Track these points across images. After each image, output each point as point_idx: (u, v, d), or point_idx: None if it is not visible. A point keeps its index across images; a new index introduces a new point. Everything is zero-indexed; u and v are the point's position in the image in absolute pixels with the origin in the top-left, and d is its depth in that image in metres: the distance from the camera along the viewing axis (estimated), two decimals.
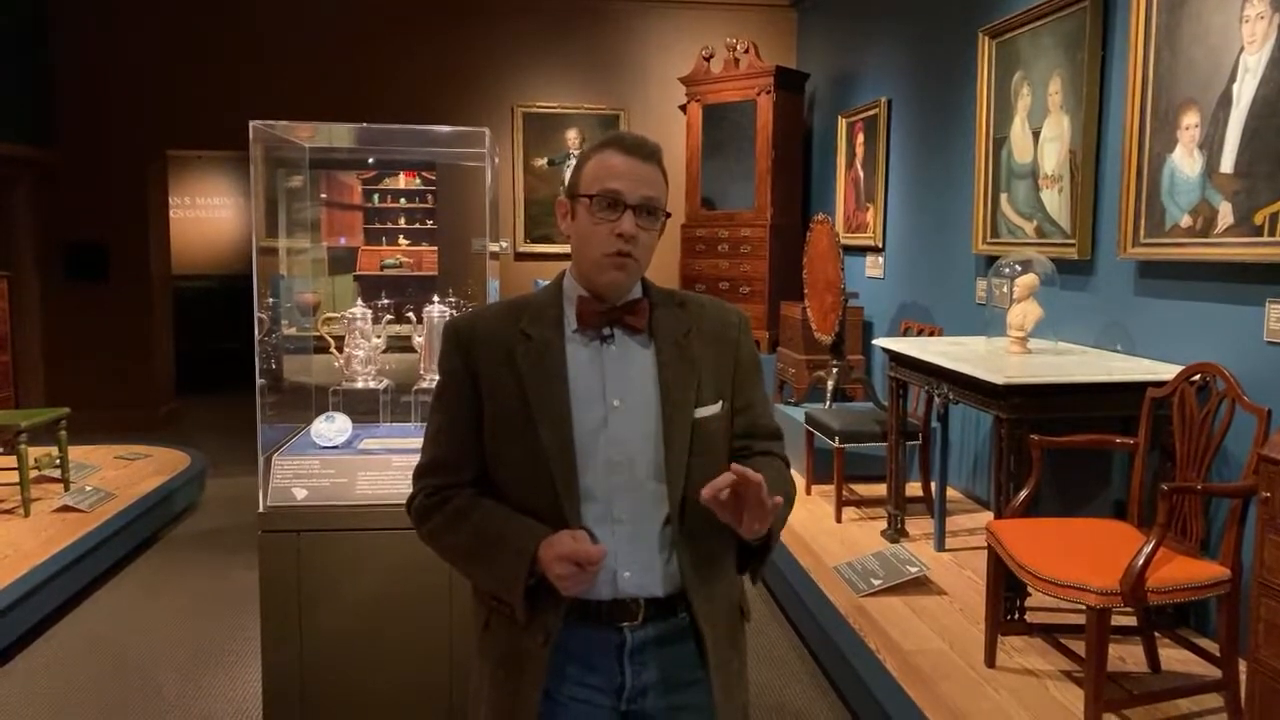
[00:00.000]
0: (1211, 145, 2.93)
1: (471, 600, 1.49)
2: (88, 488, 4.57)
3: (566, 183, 1.42)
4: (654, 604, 1.37)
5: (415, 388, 3.00)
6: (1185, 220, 3.05)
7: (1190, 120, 3.01)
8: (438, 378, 1.46)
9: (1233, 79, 2.84)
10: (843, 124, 6.20)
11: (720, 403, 1.42)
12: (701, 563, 1.39)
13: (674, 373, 1.38)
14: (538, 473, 1.34)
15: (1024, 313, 3.40)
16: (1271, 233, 2.70)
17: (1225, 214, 2.88)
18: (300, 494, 2.52)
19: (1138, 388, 2.86)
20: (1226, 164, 2.87)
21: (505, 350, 1.37)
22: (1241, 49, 2.80)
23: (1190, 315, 3.09)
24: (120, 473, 5.06)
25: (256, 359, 2.68)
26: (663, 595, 1.37)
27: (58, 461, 4.61)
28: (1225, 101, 2.87)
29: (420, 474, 1.46)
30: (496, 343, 1.38)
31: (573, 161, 7.91)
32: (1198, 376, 2.67)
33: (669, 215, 1.42)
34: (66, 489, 4.56)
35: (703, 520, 1.36)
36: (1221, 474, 2.79)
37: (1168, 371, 2.86)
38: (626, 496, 1.35)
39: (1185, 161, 3.04)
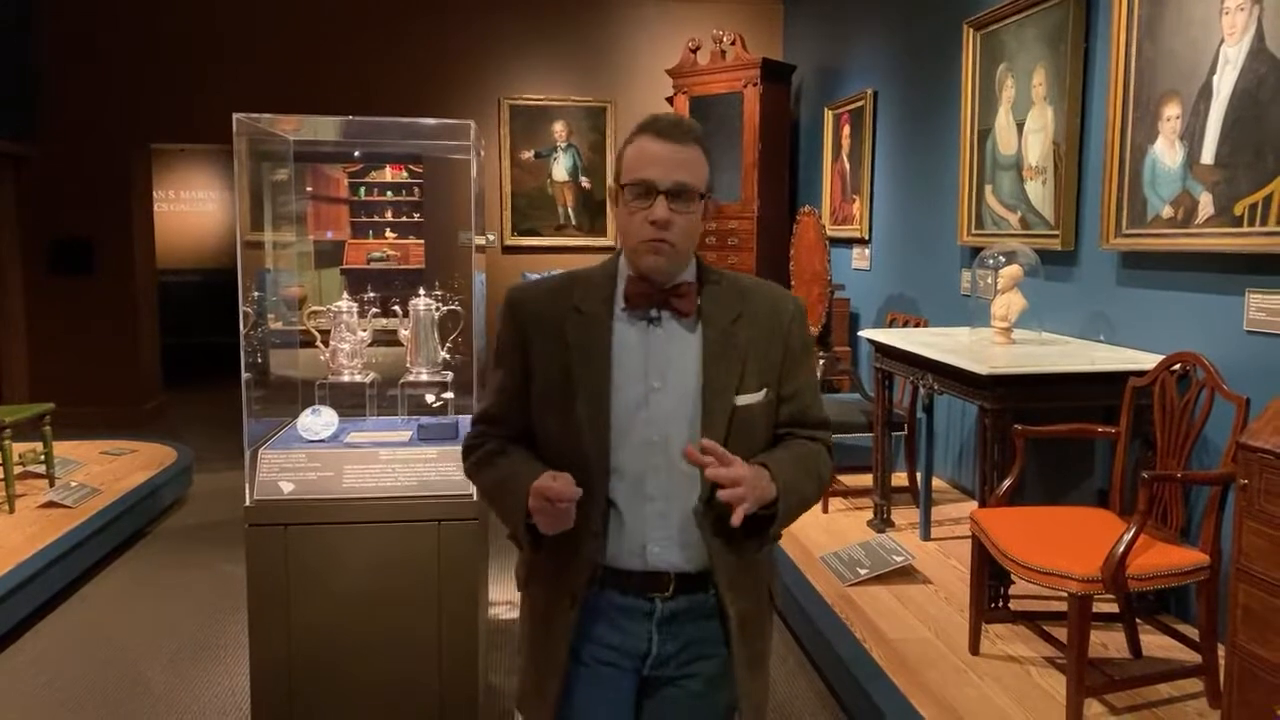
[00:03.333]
0: (1192, 136, 2.95)
1: (517, 561, 1.58)
2: (73, 483, 4.55)
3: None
4: (684, 578, 1.42)
5: (401, 381, 3.00)
6: (1167, 211, 3.07)
7: (1171, 112, 3.04)
8: (497, 336, 1.53)
9: (1213, 71, 2.86)
10: (829, 116, 6.21)
11: (764, 390, 1.43)
12: (730, 544, 1.42)
13: (717, 358, 1.40)
14: (573, 445, 1.39)
15: (1008, 303, 3.42)
16: (1251, 223, 2.73)
17: (1206, 204, 2.90)
18: (287, 488, 2.52)
19: (1120, 377, 2.88)
20: (1207, 155, 2.89)
21: (556, 324, 1.42)
22: (1222, 41, 2.83)
23: (1172, 305, 3.11)
24: (106, 468, 5.04)
25: (242, 353, 2.67)
26: (692, 571, 1.42)
27: (43, 457, 4.59)
28: (1206, 93, 2.89)
29: (475, 420, 1.56)
30: (548, 316, 1.43)
31: (559, 155, 7.87)
32: (1178, 366, 2.70)
33: (707, 194, 1.41)
34: (51, 485, 4.54)
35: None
36: (1202, 462, 2.82)
37: (1149, 361, 2.88)
38: (659, 475, 1.39)
39: (1167, 153, 3.07)
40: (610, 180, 1.46)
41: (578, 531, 1.39)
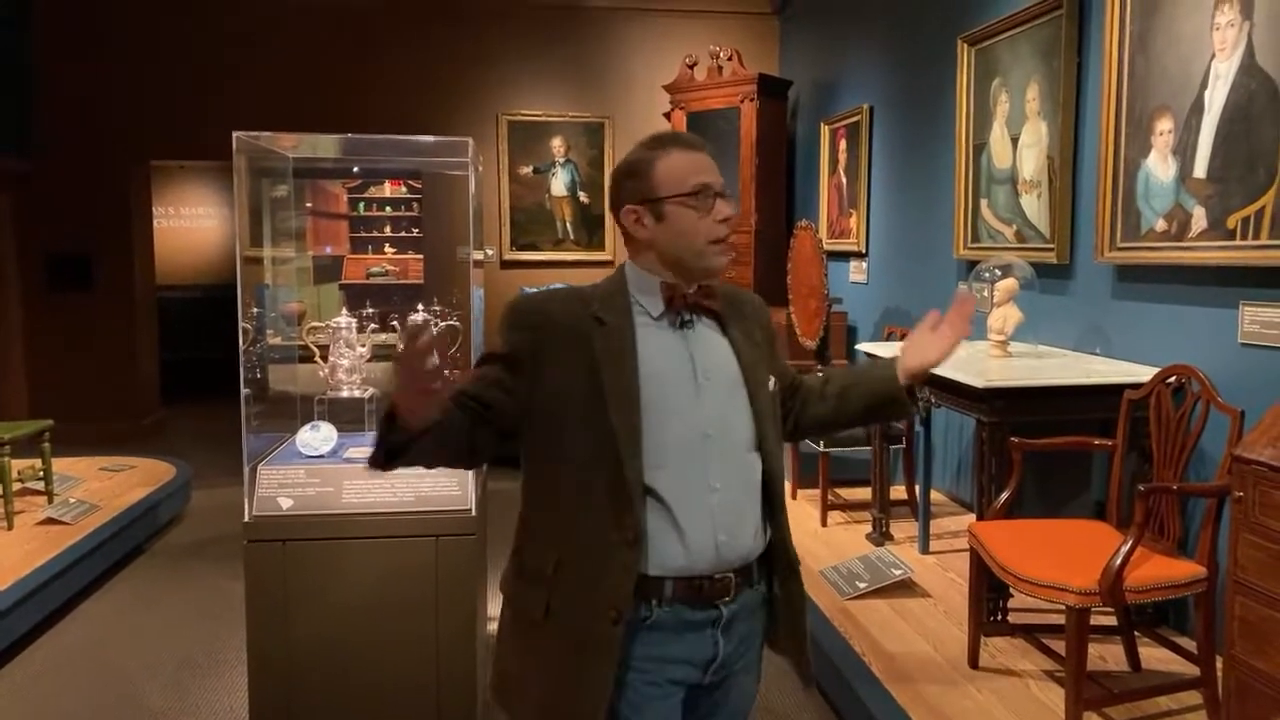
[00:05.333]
0: (1185, 150, 2.98)
1: (517, 588, 1.47)
2: (71, 500, 4.55)
3: (623, 192, 1.48)
4: (739, 574, 1.46)
5: None
6: (1160, 224, 3.09)
7: (1164, 126, 3.06)
8: (501, 340, 1.47)
9: (1204, 85, 2.89)
10: (825, 131, 6.24)
11: (772, 380, 1.54)
12: (781, 525, 1.51)
13: (748, 353, 1.51)
14: (603, 450, 1.38)
15: (1004, 316, 3.44)
16: (1244, 236, 2.74)
17: (1199, 218, 2.92)
18: (286, 503, 2.52)
19: (1115, 390, 2.89)
20: (1199, 169, 2.92)
21: (579, 333, 1.43)
22: (1213, 56, 2.85)
23: (1166, 318, 3.13)
24: (105, 484, 5.04)
25: (241, 369, 2.68)
26: (751, 561, 1.48)
27: (41, 474, 4.59)
28: (1197, 108, 2.92)
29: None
30: (570, 325, 1.43)
31: (557, 170, 7.87)
32: (1173, 378, 2.71)
33: None
34: (50, 501, 4.54)
35: (778, 488, 1.51)
36: (1198, 474, 2.83)
37: (1145, 374, 2.89)
38: (721, 465, 1.43)
39: (1159, 166, 3.09)
40: (630, 203, 1.46)
41: (610, 541, 1.36)
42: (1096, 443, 2.92)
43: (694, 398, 1.44)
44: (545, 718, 1.42)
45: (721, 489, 1.42)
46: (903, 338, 4.67)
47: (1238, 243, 2.77)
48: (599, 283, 1.52)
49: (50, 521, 4.28)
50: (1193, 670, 2.52)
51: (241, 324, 2.70)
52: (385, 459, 1.34)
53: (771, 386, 1.53)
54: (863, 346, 4.10)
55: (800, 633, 1.57)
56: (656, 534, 1.38)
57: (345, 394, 2.97)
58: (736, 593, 1.45)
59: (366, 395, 2.99)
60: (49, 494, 4.59)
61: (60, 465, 4.96)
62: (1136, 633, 2.78)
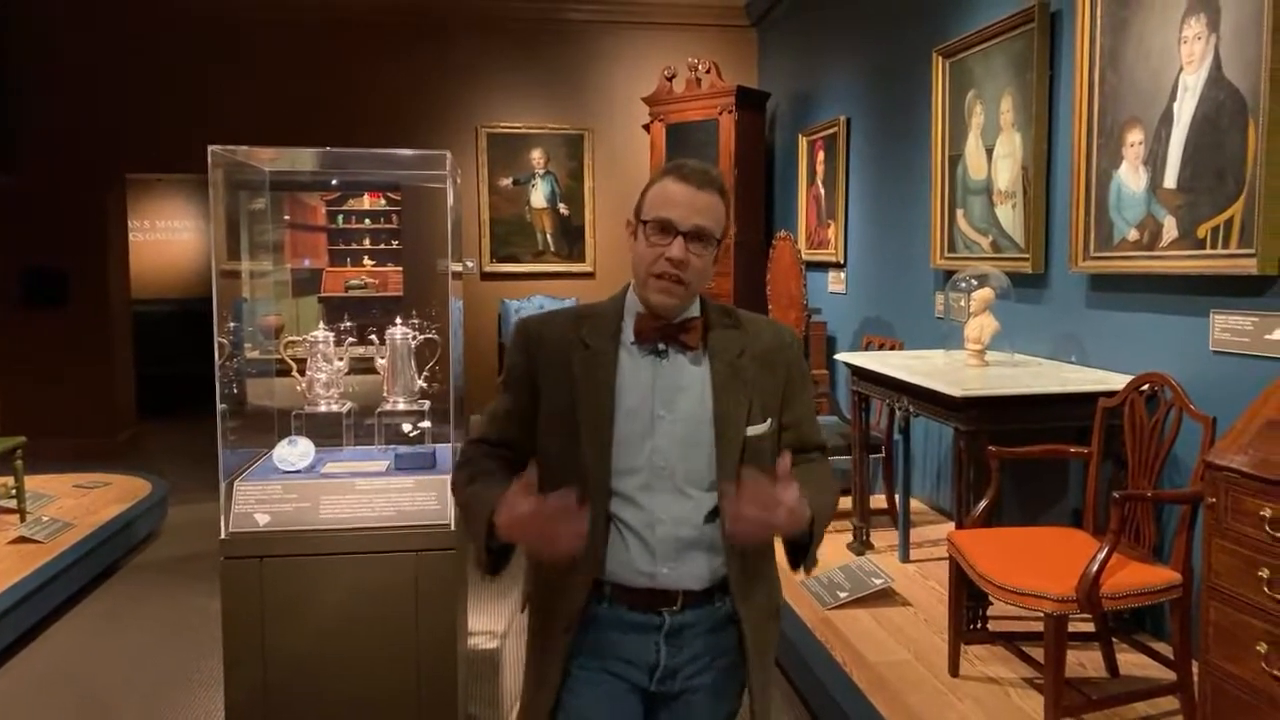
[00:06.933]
0: (1155, 161, 3.02)
1: (526, 572, 1.61)
2: (45, 518, 4.48)
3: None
4: (691, 594, 1.46)
5: (378, 410, 2.99)
6: (1132, 234, 3.13)
7: (1135, 137, 3.11)
8: (506, 366, 1.58)
9: (1173, 98, 2.93)
10: (803, 142, 6.29)
11: (769, 421, 1.50)
12: (745, 566, 1.48)
13: (727, 390, 1.47)
14: (577, 471, 1.43)
15: (981, 326, 3.46)
16: (1214, 245, 2.79)
17: (1170, 228, 2.96)
18: (263, 519, 2.50)
19: (1090, 398, 2.92)
20: (1170, 179, 2.96)
21: (564, 356, 1.48)
22: (1181, 69, 2.90)
23: (1139, 326, 3.17)
24: (79, 501, 4.97)
25: (217, 383, 2.66)
26: (699, 590, 1.46)
27: (13, 491, 4.52)
28: (1167, 119, 2.96)
29: (472, 439, 1.61)
30: (558, 348, 1.49)
31: (537, 182, 7.88)
32: (1146, 386, 2.74)
33: (720, 240, 1.48)
34: (23, 519, 4.46)
35: None
36: (1172, 480, 2.86)
37: (1119, 381, 2.92)
38: (667, 500, 1.44)
39: (1131, 177, 3.13)
40: (630, 215, 1.52)
41: (575, 557, 1.42)
42: (1072, 450, 2.95)
43: (648, 430, 1.44)
44: (525, 690, 1.56)
45: (668, 523, 1.44)
46: (881, 348, 4.69)
47: (1208, 252, 2.81)
48: (603, 301, 1.56)
49: (23, 540, 4.22)
50: (1170, 675, 2.54)
51: (218, 338, 2.68)
52: (494, 569, 1.46)
53: (763, 428, 1.48)
54: (841, 356, 4.12)
55: (761, 678, 1.53)
56: (617, 549, 1.45)
57: (323, 408, 2.95)
58: (684, 604, 1.46)
59: (344, 410, 2.98)
60: (21, 512, 4.52)
61: (33, 483, 4.90)
62: (1114, 639, 2.80)
